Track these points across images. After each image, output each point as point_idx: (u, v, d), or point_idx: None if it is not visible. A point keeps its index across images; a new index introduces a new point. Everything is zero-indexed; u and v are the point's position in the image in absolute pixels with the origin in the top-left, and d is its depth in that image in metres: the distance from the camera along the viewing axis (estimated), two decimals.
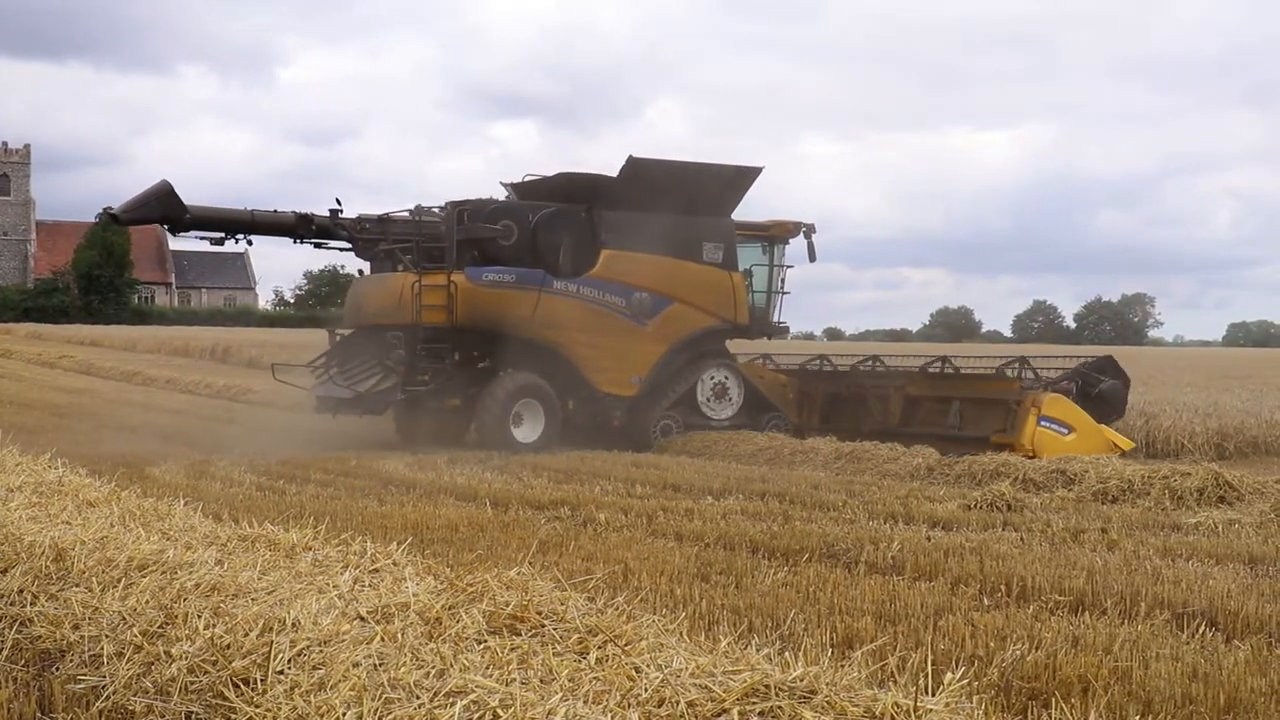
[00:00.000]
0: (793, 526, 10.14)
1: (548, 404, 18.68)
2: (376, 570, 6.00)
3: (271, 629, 4.80)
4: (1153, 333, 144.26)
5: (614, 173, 19.50)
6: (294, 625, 4.81)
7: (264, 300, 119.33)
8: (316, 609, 5.04)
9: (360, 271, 20.38)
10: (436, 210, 19.28)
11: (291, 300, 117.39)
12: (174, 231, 18.16)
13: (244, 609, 5.11)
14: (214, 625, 4.97)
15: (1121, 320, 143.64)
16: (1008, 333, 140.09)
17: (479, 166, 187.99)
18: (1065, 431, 17.44)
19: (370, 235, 18.98)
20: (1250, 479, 12.44)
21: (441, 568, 6.17)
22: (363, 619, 4.93)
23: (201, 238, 18.80)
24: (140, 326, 75.82)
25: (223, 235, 18.52)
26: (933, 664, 4.70)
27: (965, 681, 4.10)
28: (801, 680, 3.94)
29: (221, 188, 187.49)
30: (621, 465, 15.66)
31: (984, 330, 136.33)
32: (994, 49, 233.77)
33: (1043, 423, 17.38)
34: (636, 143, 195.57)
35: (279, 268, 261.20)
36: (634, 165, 19.24)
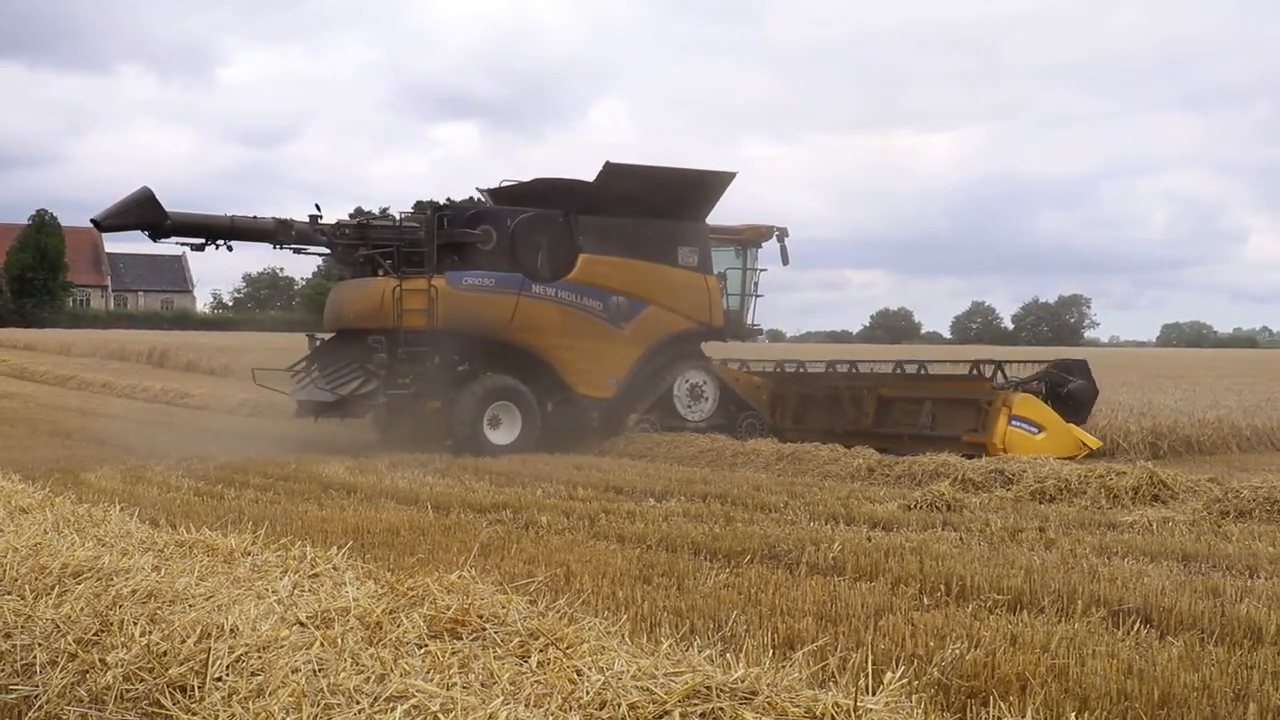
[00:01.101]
0: (734, 528, 10.17)
1: (525, 406, 18.82)
2: (316, 575, 5.95)
3: (209, 635, 4.75)
4: (1089, 333, 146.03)
5: (575, 176, 19.77)
6: (232, 631, 4.76)
7: (202, 303, 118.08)
8: (255, 614, 5.00)
9: (342, 276, 20.43)
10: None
11: (230, 303, 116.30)
12: (155, 238, 18.08)
13: (181, 615, 5.05)
14: (150, 632, 4.90)
15: (1058, 321, 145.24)
16: (947, 334, 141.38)
17: (421, 168, 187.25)
18: (1035, 431, 17.74)
19: (349, 240, 19.14)
20: (1184, 477, 12.63)
21: (382, 572, 6.13)
22: (302, 624, 4.89)
23: (182, 243, 18.80)
24: (75, 330, 74.65)
25: (203, 241, 18.63)
26: (873, 664, 4.73)
27: (905, 681, 4.13)
28: (743, 681, 3.95)
29: (160, 188, 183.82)
30: (564, 468, 15.64)
31: (924, 331, 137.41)
32: (934, 52, 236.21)
33: (1013, 422, 17.65)
34: (581, 145, 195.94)
35: (218, 270, 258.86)
36: (610, 170, 19.46)
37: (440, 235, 18.85)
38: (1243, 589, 7.50)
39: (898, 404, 19.81)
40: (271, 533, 7.55)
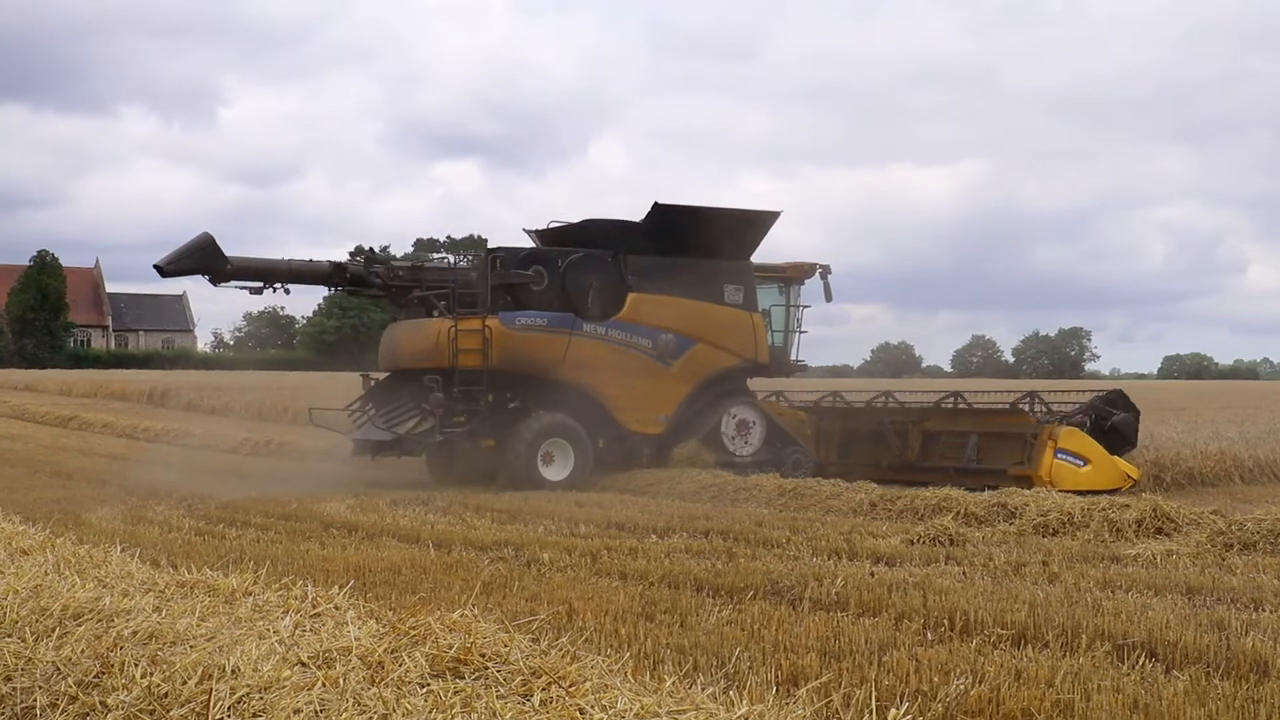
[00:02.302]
0: (737, 564, 10.13)
1: (577, 443, 19.09)
2: (318, 614, 5.93)
3: (211, 676, 4.72)
4: (1089, 366, 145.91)
5: (619, 216, 20.41)
6: (233, 672, 4.74)
7: (203, 342, 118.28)
8: (257, 655, 4.98)
9: (394, 317, 20.95)
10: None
11: (231, 342, 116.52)
12: (215, 282, 18.54)
13: (182, 656, 5.02)
14: (151, 673, 4.88)
15: (1059, 354, 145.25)
16: (947, 367, 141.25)
17: (422, 206, 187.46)
18: (1081, 463, 17.99)
19: (403, 282, 19.74)
20: (1187, 510, 12.59)
21: (384, 611, 6.11)
22: (304, 664, 4.87)
23: (241, 287, 19.14)
24: (76, 370, 74.72)
25: (261, 285, 19.06)
26: (877, 700, 4.71)
27: (909, 717, 4.11)
28: (746, 719, 3.93)
29: (161, 229, 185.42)
30: (565, 504, 15.60)
31: (924, 365, 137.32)
32: (931, 87, 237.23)
33: (1059, 455, 17.90)
34: (580, 181, 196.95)
35: (218, 310, 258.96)
36: (659, 210, 19.96)
37: (493, 276, 19.27)
38: (1248, 622, 7.47)
39: (943, 438, 20.07)
40: (273, 572, 7.53)
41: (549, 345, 19.13)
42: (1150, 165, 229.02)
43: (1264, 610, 8.01)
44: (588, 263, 19.72)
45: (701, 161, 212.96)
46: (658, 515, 14.12)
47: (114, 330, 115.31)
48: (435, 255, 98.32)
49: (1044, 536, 12.16)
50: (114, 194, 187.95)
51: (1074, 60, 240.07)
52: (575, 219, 20.58)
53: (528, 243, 21.07)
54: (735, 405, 20.73)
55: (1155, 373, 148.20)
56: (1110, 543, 11.58)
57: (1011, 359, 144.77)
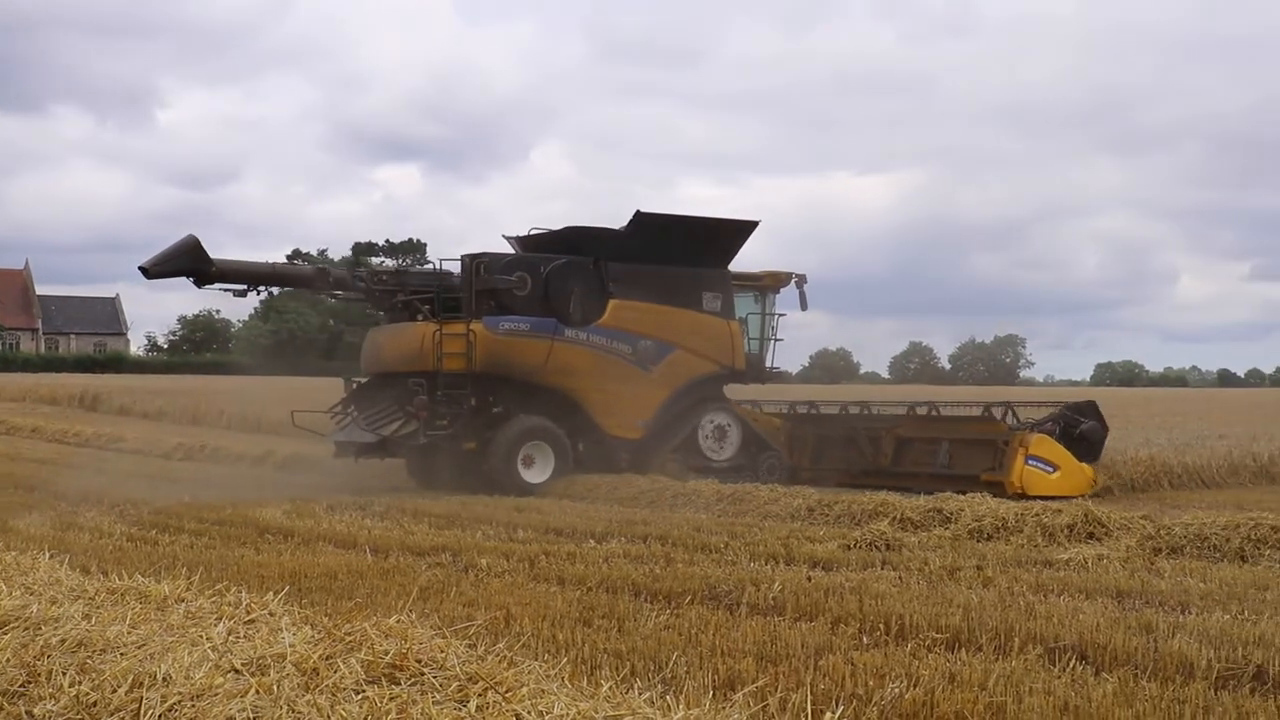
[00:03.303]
0: (675, 569, 10.15)
1: (558, 446, 19.44)
2: (252, 621, 5.88)
3: (141, 684, 4.67)
4: (1024, 373, 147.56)
5: (603, 223, 20.70)
6: (165, 680, 4.69)
7: (136, 346, 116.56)
8: (189, 662, 4.92)
9: (376, 322, 21.14)
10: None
11: (165, 346, 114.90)
12: (200, 284, 18.58)
13: (112, 664, 4.96)
14: (80, 682, 4.81)
15: (995, 361, 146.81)
16: (885, 374, 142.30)
17: (361, 210, 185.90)
18: (1051, 470, 18.45)
19: (386, 286, 20.02)
20: (1118, 515, 12.78)
21: (319, 617, 6.07)
22: (237, 671, 4.83)
23: (224, 289, 19.23)
24: (5, 374, 73.43)
25: (245, 287, 19.21)
26: (813, 704, 4.74)
27: None
28: None
29: (95, 230, 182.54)
30: (503, 510, 15.56)
31: (862, 371, 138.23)
32: (870, 95, 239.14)
33: (1030, 462, 18.31)
34: (522, 186, 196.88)
35: (151, 313, 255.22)
36: (640, 219, 20.31)
37: (478, 281, 19.50)
38: (1175, 625, 7.59)
39: (915, 444, 20.52)
40: (206, 578, 7.45)
41: (532, 350, 19.42)
42: (1085, 176, 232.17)
43: (1190, 613, 8.15)
44: (570, 269, 20.01)
45: (643, 167, 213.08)
46: (596, 520, 14.12)
47: (44, 333, 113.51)
48: (375, 259, 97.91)
49: (979, 541, 12.29)
50: (45, 195, 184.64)
51: (1011, 71, 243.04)
52: (556, 226, 20.93)
53: (506, 248, 21.37)
54: (712, 411, 21.11)
55: (1089, 380, 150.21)
56: (1043, 547, 11.73)
57: (948, 366, 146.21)
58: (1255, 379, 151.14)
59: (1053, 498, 15.55)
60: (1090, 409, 20.08)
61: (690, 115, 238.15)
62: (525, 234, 21.30)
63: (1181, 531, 11.56)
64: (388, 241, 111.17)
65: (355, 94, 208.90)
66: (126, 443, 29.31)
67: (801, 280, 22.39)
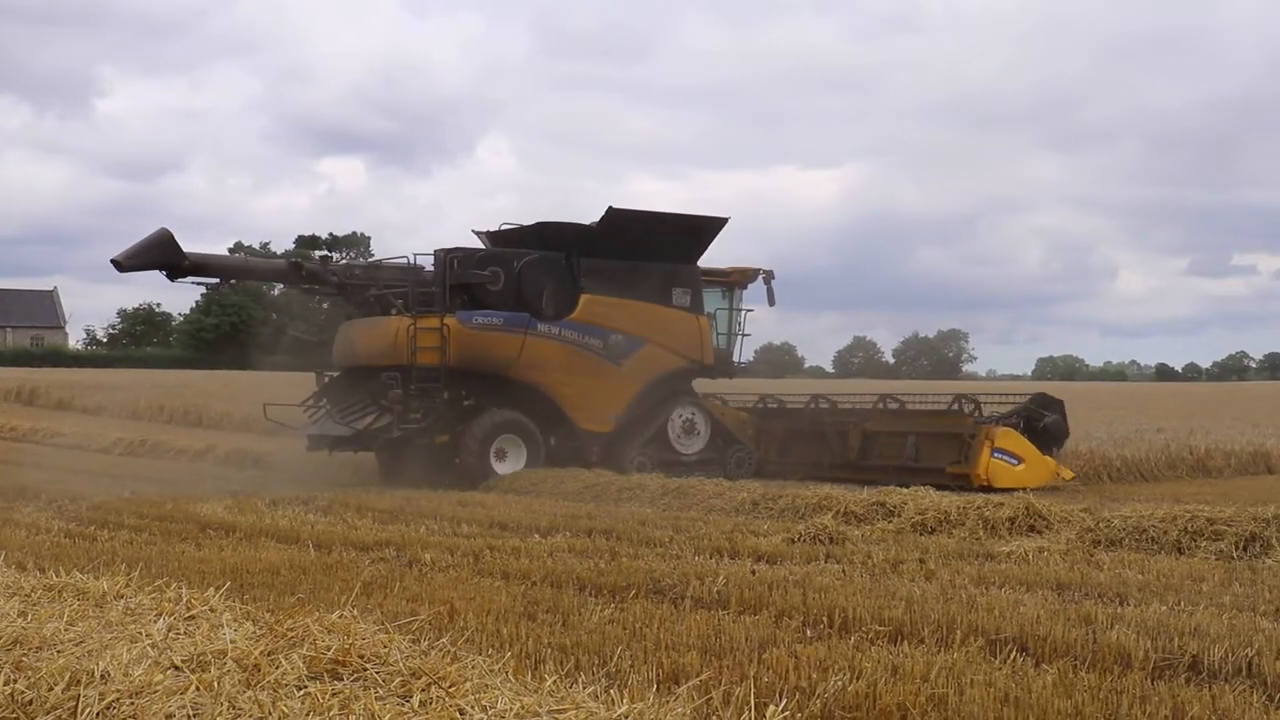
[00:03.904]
0: (619, 563, 10.16)
1: (530, 439, 19.80)
2: (192, 617, 5.83)
3: (79, 682, 4.61)
4: (967, 367, 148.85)
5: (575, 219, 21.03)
6: (103, 677, 4.63)
7: (75, 340, 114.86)
8: (128, 659, 4.87)
9: (349, 315, 21.21)
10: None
11: (104, 339, 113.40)
12: (172, 278, 18.70)
13: (49, 662, 4.89)
14: (15, 680, 4.74)
15: (938, 355, 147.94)
16: (829, 368, 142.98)
17: (305, 203, 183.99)
18: (1015, 462, 18.88)
19: (359, 281, 20.29)
20: (1058, 508, 12.93)
21: (261, 613, 6.03)
22: (177, 668, 4.78)
23: (198, 282, 19.53)
24: None
25: (217, 281, 19.66)
26: (756, 697, 4.76)
27: (787, 714, 4.16)
28: (626, 717, 3.95)
29: (32, 222, 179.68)
30: (448, 504, 15.50)
31: (806, 365, 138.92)
32: (816, 91, 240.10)
33: (995, 454, 18.71)
34: (468, 180, 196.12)
35: (90, 305, 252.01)
36: (612, 215, 20.59)
37: (451, 276, 19.65)
38: (1113, 616, 7.69)
39: (881, 438, 20.92)
40: (146, 575, 7.37)
41: (505, 344, 19.67)
42: (1027, 172, 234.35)
43: (1128, 604, 8.26)
44: (542, 264, 20.23)
45: (588, 161, 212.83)
46: (541, 514, 14.10)
47: None
48: (318, 253, 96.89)
49: (922, 534, 12.39)
50: None
51: (955, 67, 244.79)
52: (528, 221, 21.20)
53: (475, 242, 21.56)
54: (681, 405, 21.47)
55: (1030, 374, 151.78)
56: (985, 540, 11.84)
57: (892, 360, 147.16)
58: (1192, 373, 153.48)
59: (1017, 490, 15.89)
60: (1054, 404, 20.57)
61: (636, 109, 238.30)
62: (496, 229, 21.50)
63: (1120, 524, 11.72)
64: (331, 235, 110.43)
65: (300, 86, 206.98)
66: (65, 437, 28.97)
67: (769, 276, 22.78)
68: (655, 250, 20.93)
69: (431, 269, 20.15)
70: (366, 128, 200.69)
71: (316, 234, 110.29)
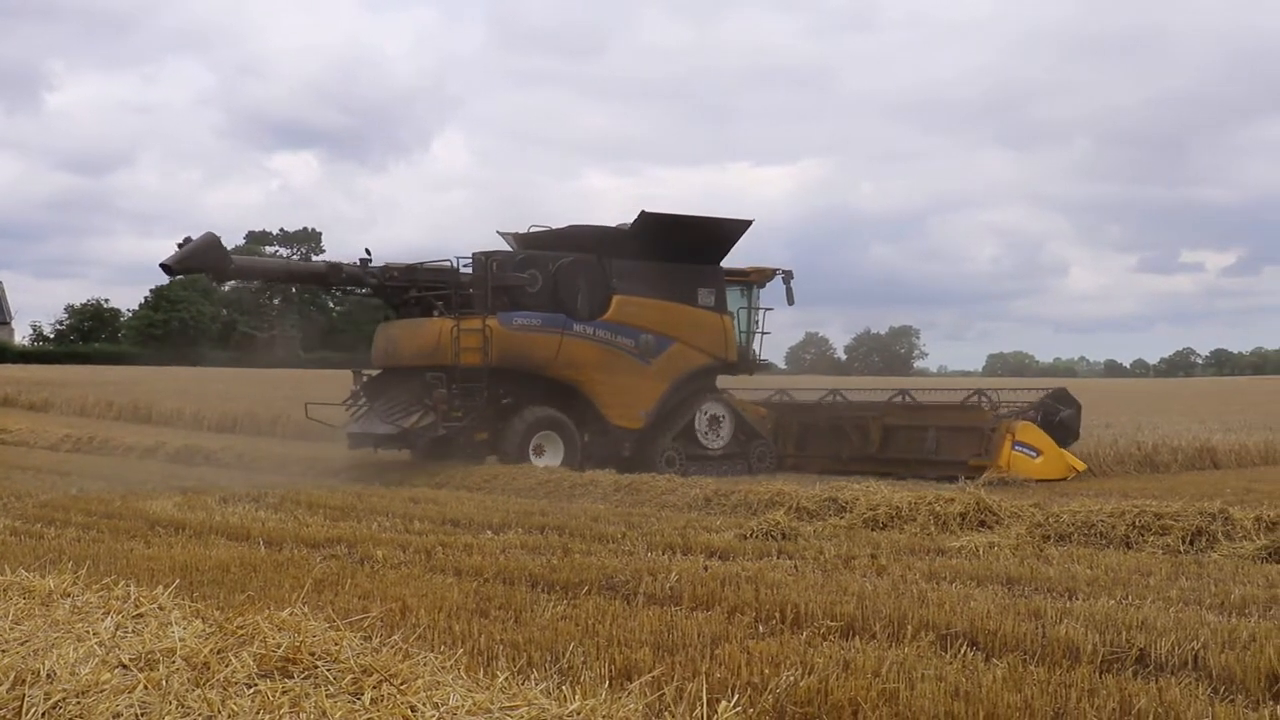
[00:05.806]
0: (572, 559, 10.15)
1: (566, 435, 20.44)
2: (141, 615, 5.77)
3: (24, 681, 4.55)
4: (918, 363, 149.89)
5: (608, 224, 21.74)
6: (49, 676, 4.58)
7: (21, 335, 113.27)
8: (74, 658, 4.82)
9: (386, 316, 21.62)
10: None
11: (51, 335, 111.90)
12: (218, 282, 19.71)
13: None
14: None
15: (889, 351, 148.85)
16: (782, 364, 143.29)
17: (258, 198, 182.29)
18: (1035, 455, 19.52)
19: (398, 283, 20.63)
20: (1008, 503, 13.04)
21: (210, 610, 5.98)
22: (125, 667, 4.73)
23: (242, 285, 20.11)
24: None
25: (261, 283, 20.33)
26: (709, 693, 4.77)
27: (739, 709, 4.17)
28: (578, 714, 3.95)
29: None
30: (400, 501, 15.44)
31: (759, 360, 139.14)
32: (772, 87, 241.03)
33: (1016, 447, 19.33)
34: (423, 175, 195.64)
35: (37, 301, 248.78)
36: (644, 218, 21.18)
37: (491, 278, 20.26)
38: (1062, 610, 7.76)
39: (901, 431, 21.54)
40: (94, 573, 7.29)
41: (543, 344, 20.34)
42: (980, 169, 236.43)
43: (1077, 599, 8.34)
44: (577, 266, 20.87)
45: (544, 157, 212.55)
46: (493, 511, 14.07)
47: None
48: (269, 248, 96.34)
49: (873, 530, 12.46)
50: None
51: (911, 65, 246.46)
52: (558, 225, 21.71)
53: (501, 245, 22.20)
54: (707, 401, 22.17)
55: (981, 370, 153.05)
56: (936, 535, 11.93)
57: (844, 356, 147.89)
58: (1140, 369, 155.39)
59: (1037, 480, 16.86)
60: (1065, 396, 21.18)
61: (591, 105, 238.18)
62: (524, 231, 22.08)
63: (1069, 519, 11.83)
64: (282, 230, 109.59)
65: (253, 80, 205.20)
66: (10, 434, 28.60)
67: (788, 276, 23.44)
68: (683, 252, 21.60)
69: (467, 270, 20.69)
70: (320, 122, 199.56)
71: (267, 229, 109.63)
